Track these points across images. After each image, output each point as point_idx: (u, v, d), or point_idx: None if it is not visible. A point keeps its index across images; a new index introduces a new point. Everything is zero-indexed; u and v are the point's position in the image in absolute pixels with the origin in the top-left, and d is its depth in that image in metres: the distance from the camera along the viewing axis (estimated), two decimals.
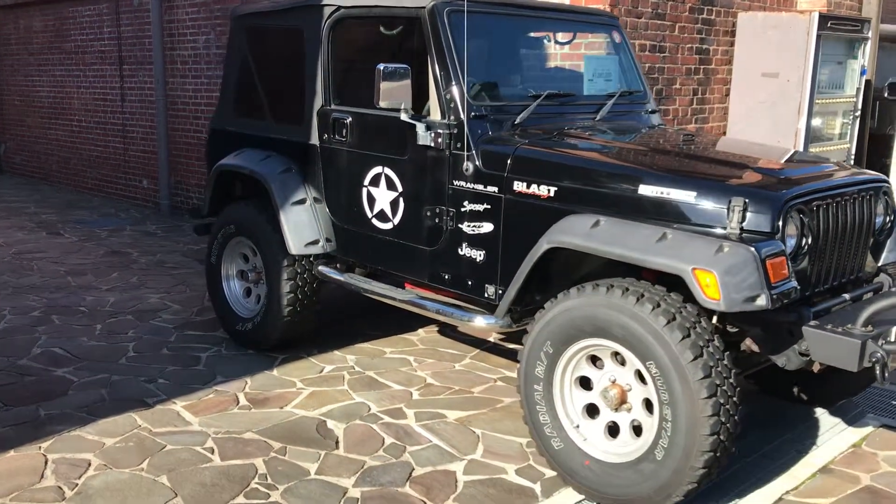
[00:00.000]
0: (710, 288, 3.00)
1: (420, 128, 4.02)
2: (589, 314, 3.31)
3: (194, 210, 5.71)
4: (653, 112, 4.81)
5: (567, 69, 5.42)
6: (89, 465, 3.65)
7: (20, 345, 5.12)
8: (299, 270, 4.81)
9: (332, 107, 4.60)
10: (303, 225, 4.73)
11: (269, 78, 5.04)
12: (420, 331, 5.56)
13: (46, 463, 3.65)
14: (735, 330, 3.49)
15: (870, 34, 7.19)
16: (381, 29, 4.73)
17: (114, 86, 10.59)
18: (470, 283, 4.01)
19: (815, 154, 6.16)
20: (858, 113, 7.34)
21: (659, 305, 3.15)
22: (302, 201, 4.76)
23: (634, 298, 3.18)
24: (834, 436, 4.10)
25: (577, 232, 3.42)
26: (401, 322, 5.60)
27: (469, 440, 3.97)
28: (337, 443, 3.92)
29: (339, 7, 4.50)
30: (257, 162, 4.92)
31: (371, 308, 5.92)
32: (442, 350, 5.20)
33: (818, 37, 6.57)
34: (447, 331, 5.56)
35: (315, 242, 4.74)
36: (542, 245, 3.51)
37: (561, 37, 5.20)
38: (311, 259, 4.81)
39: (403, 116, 4.03)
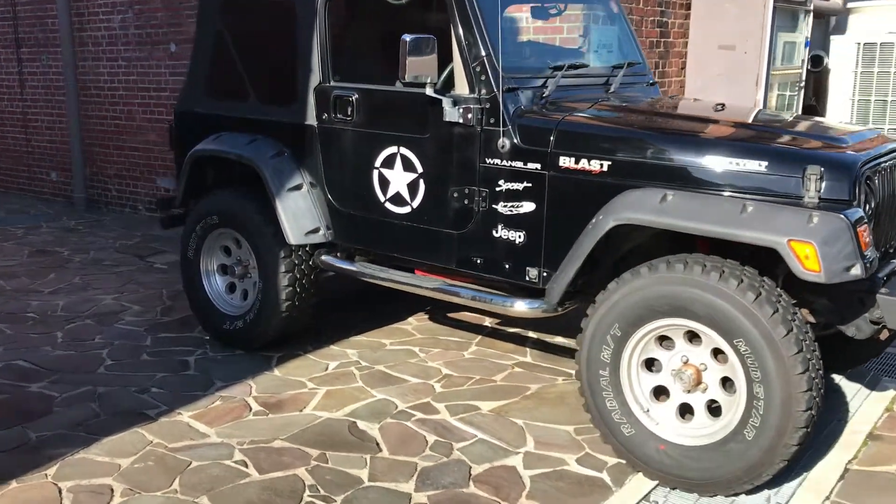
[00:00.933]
0: (809, 260, 2.90)
1: (447, 103, 3.76)
2: (665, 293, 3.16)
3: (162, 201, 5.23)
4: (652, 84, 4.69)
5: (567, 40, 5.24)
6: (112, 491, 3.24)
7: None
8: (297, 262, 4.46)
9: (333, 83, 4.26)
10: (301, 212, 4.38)
11: (251, 54, 4.63)
12: (411, 319, 5.30)
13: (61, 493, 3.22)
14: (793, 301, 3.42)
15: (811, 6, 7.34)
16: None
17: (10, 71, 9.72)
18: (507, 266, 3.79)
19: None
20: (803, 84, 7.50)
21: (742, 281, 3.03)
22: (298, 187, 4.40)
23: (717, 275, 3.05)
24: (862, 402, 4.11)
25: (645, 207, 3.25)
26: (387, 311, 5.34)
27: (514, 432, 3.77)
28: (378, 445, 3.63)
29: None
30: (243, 146, 4.52)
31: (352, 298, 5.62)
32: (443, 338, 4.96)
33: (774, 8, 6.64)
34: (438, 318, 5.33)
35: (315, 231, 4.40)
36: (607, 222, 3.32)
37: (556, 7, 5.00)
38: (309, 249, 4.47)
39: (429, 91, 3.75)
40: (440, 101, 3.78)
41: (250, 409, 3.97)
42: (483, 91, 3.71)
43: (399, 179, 4.07)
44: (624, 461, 3.42)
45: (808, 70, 8.35)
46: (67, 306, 5.53)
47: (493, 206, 3.77)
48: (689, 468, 3.21)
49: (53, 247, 7.27)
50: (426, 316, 5.35)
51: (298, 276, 4.47)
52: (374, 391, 4.19)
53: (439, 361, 4.58)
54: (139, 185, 8.67)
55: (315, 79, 4.29)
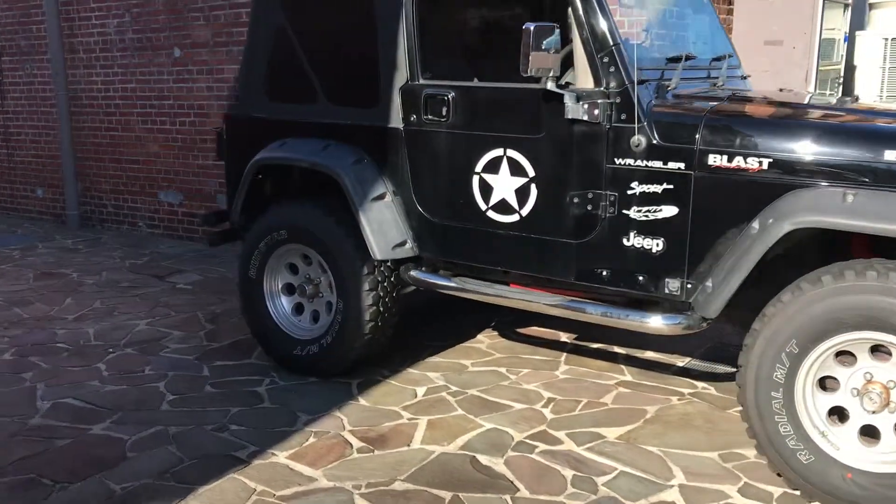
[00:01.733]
0: None
1: (569, 98, 3.39)
2: (856, 304, 2.83)
3: (210, 216, 4.76)
4: (745, 77, 4.39)
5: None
6: None
7: (16, 399, 4.04)
8: (380, 278, 4.04)
9: (422, 81, 3.86)
10: (387, 224, 3.98)
11: (320, 52, 4.20)
12: (481, 336, 4.91)
13: None
14: None
15: (851, 0, 7.15)
16: None
17: None
18: (641, 277, 3.43)
19: None
20: (841, 80, 7.30)
21: None
22: (381, 196, 4.00)
23: None
24: None
25: (828, 208, 2.92)
26: (450, 328, 4.96)
27: (654, 461, 3.40)
28: (512, 483, 3.23)
29: None
30: (318, 152, 4.09)
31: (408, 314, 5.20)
32: (526, 357, 4.58)
33: (823, 3, 6.42)
34: (508, 334, 4.95)
35: (402, 244, 4.00)
36: (781, 227, 2.98)
37: None
38: (391, 264, 4.06)
39: (550, 86, 3.39)
40: (559, 96, 3.41)
41: (351, 446, 3.54)
42: (612, 84, 3.35)
43: (505, 185, 3.69)
44: (797, 492, 3.08)
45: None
46: (100, 334, 5.01)
47: (624, 211, 3.41)
48: (888, 498, 2.88)
49: (58, 268, 6.70)
50: (495, 332, 4.97)
51: (382, 293, 4.06)
52: (480, 420, 3.78)
53: (535, 383, 4.20)
54: (139, 201, 8.12)
55: (401, 77, 3.89)
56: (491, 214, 3.76)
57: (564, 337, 4.89)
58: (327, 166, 4.02)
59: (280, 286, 4.39)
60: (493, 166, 3.71)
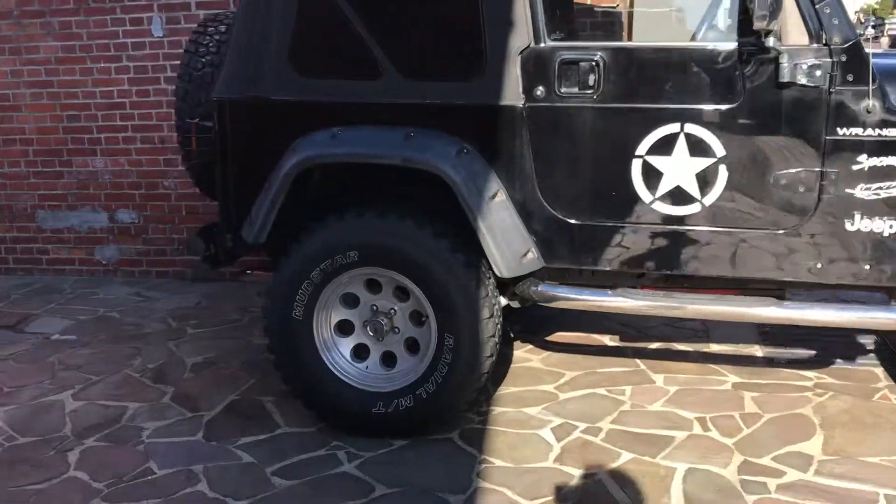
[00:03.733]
0: None
1: (785, 58, 2.78)
2: None
3: (196, 241, 3.44)
4: None
5: None
6: None
7: None
8: (494, 301, 3.15)
9: (552, 43, 3.01)
10: (509, 231, 3.09)
11: (385, 10, 3.14)
12: (528, 355, 4.13)
13: None
14: None
15: None
16: None
17: None
18: (867, 267, 2.92)
19: None
20: None
21: None
22: (495, 195, 3.10)
23: None
24: None
25: None
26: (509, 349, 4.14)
27: None
28: None
29: None
30: (400, 144, 3.07)
31: None
32: (602, 371, 3.90)
33: None
34: (539, 343, 4.25)
35: (527, 254, 3.13)
36: None
37: None
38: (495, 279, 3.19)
39: (772, 42, 2.74)
40: (763, 57, 2.79)
41: None
42: (836, 39, 2.79)
43: (681, 169, 2.98)
44: None
45: None
46: (23, 426, 3.50)
47: (848, 190, 2.87)
48: None
49: None
50: (527, 345, 4.23)
51: (497, 320, 3.16)
52: (664, 461, 3.07)
53: (656, 402, 3.55)
54: None
55: (520, 39, 3.00)
56: (658, 206, 3.03)
57: (607, 339, 4.28)
58: (428, 162, 3.02)
59: (333, 326, 3.29)
60: (663, 146, 2.97)
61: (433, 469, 3.04)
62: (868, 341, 4.12)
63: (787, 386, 3.68)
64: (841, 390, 3.62)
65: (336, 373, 3.27)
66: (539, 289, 3.19)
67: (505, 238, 3.06)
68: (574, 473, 3.00)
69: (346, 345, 3.32)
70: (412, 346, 3.28)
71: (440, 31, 3.11)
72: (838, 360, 3.94)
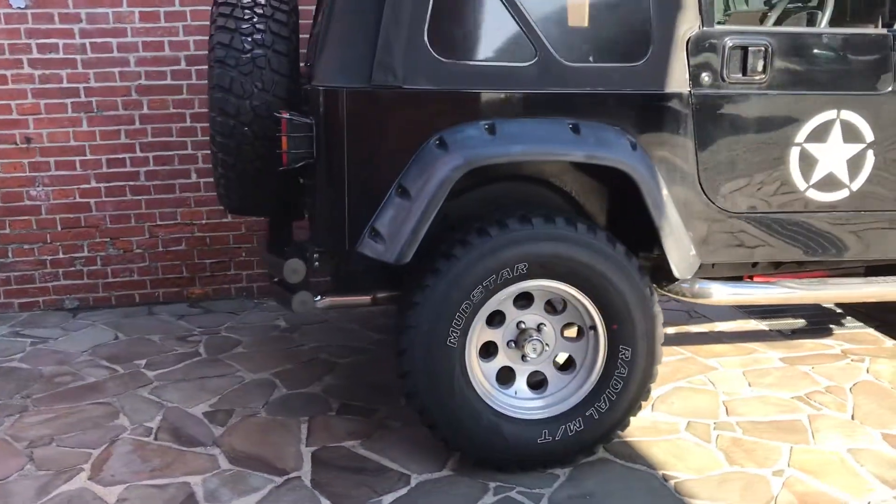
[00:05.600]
0: None
1: None
2: None
3: (292, 267, 2.73)
4: None
5: None
6: None
7: None
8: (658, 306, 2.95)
9: (720, 28, 2.84)
10: (679, 230, 2.91)
11: None
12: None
13: None
14: None
15: None
16: None
17: None
18: None
19: None
20: None
21: None
22: (666, 191, 2.88)
23: None
24: None
25: None
26: None
27: None
28: None
29: None
30: (572, 139, 2.72)
31: None
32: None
33: None
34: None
35: (692, 252, 2.97)
36: None
37: None
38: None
39: None
40: None
41: None
42: None
43: (834, 155, 3.00)
44: None
45: None
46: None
47: None
48: None
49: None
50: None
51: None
52: (820, 446, 3.08)
53: (761, 388, 3.57)
54: None
55: (687, 23, 2.80)
56: (811, 194, 3.01)
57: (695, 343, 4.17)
58: (615, 158, 2.71)
59: (477, 351, 2.86)
60: (820, 133, 2.96)
61: (640, 497, 2.76)
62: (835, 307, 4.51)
63: (824, 356, 3.89)
64: (871, 353, 3.90)
65: (489, 403, 2.84)
66: (696, 287, 3.02)
67: (679, 237, 2.86)
68: (763, 473, 2.90)
69: (492, 370, 2.90)
70: (561, 363, 2.96)
71: (602, 9, 2.79)
72: (832, 326, 4.26)
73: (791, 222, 3.03)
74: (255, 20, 2.93)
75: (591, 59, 2.78)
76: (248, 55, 2.90)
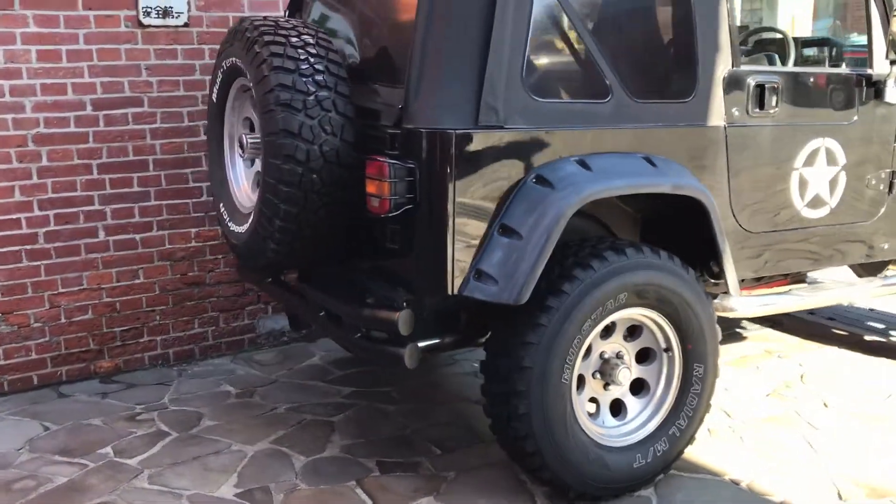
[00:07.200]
0: None
1: (892, 82, 3.49)
2: None
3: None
4: None
5: None
6: None
7: None
8: None
9: (745, 68, 3.16)
10: (730, 252, 3.17)
11: (612, 31, 2.85)
12: None
13: None
14: None
15: None
16: None
17: None
18: None
19: None
20: None
21: None
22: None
23: None
24: None
25: None
26: None
27: None
28: None
29: None
30: (653, 171, 2.89)
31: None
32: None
33: None
34: None
35: None
36: None
37: None
38: None
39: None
40: (870, 81, 3.47)
41: None
42: None
43: (820, 177, 3.45)
44: None
45: None
46: None
47: None
48: None
49: None
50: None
51: None
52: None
53: (773, 381, 3.92)
54: None
55: (724, 62, 3.09)
56: (804, 212, 3.43)
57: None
58: (692, 187, 2.91)
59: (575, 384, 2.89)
60: (811, 159, 3.39)
61: None
62: None
63: (756, 356, 4.37)
64: (791, 349, 4.45)
65: (591, 436, 2.88)
66: (739, 300, 3.29)
67: (730, 258, 3.11)
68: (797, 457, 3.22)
69: (583, 402, 2.93)
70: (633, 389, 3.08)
71: (660, 51, 2.98)
72: (738, 331, 4.79)
73: (793, 237, 3.42)
74: (311, 60, 2.75)
75: (653, 97, 2.95)
76: (313, 97, 2.71)
